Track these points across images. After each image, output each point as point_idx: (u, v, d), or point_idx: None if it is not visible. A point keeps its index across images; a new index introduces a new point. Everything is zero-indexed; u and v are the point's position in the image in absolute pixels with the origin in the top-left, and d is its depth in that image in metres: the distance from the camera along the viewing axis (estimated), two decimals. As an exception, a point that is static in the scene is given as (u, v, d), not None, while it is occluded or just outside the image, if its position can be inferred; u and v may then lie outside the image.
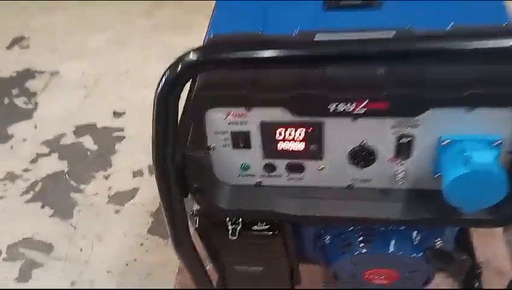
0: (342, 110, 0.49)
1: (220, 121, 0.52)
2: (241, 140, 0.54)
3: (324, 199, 0.57)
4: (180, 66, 0.44)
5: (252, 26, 0.56)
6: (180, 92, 0.47)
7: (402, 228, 0.64)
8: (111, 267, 1.14)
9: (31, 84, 1.76)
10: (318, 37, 0.52)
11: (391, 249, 0.65)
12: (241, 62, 0.45)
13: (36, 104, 1.68)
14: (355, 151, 0.53)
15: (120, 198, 1.31)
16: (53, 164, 1.44)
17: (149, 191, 1.31)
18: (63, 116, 1.59)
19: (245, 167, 0.57)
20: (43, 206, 1.32)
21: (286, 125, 0.52)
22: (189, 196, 0.58)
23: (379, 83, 0.48)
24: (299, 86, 0.49)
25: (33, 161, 1.45)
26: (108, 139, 1.49)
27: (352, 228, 0.67)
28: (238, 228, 0.63)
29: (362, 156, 0.53)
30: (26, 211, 1.31)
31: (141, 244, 1.18)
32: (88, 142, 1.50)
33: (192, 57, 0.45)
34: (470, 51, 0.42)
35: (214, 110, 0.52)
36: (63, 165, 1.43)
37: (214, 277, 0.76)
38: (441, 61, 0.45)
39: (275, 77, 0.51)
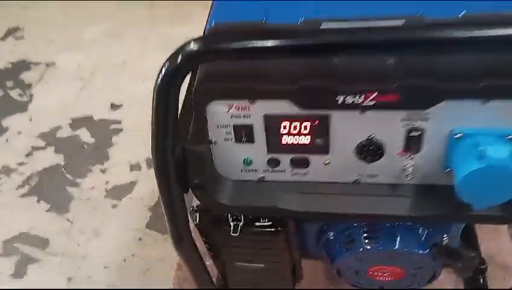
0: (350, 102, 0.47)
1: (222, 114, 0.51)
2: (244, 134, 0.52)
3: (329, 195, 0.56)
4: (180, 57, 0.43)
5: (254, 15, 0.53)
6: (181, 84, 0.45)
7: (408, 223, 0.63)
8: (108, 263, 1.13)
9: (26, 76, 1.74)
10: (324, 26, 0.50)
11: (397, 245, 0.63)
12: (245, 52, 0.43)
13: (31, 96, 1.65)
14: (363, 145, 0.51)
15: (117, 192, 1.29)
16: (49, 158, 1.42)
17: (147, 185, 1.29)
18: (58, 108, 1.57)
19: (248, 162, 0.55)
20: (39, 201, 1.30)
21: (291, 119, 0.50)
22: (190, 191, 0.56)
23: (389, 74, 0.47)
24: (306, 77, 0.47)
25: (29, 155, 1.43)
26: (105, 132, 1.47)
27: (356, 223, 0.65)
28: (240, 225, 0.62)
29: (370, 150, 0.51)
30: (21, 205, 1.30)
31: (139, 239, 1.17)
32: (85, 135, 1.48)
33: (193, 46, 0.43)
34: (485, 40, 0.40)
35: (215, 103, 0.50)
36: (59, 159, 1.41)
37: (213, 273, 0.75)
38: (454, 51, 0.43)
39: (279, 68, 0.49)
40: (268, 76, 0.48)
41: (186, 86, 0.55)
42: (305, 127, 0.51)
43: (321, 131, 0.51)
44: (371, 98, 0.47)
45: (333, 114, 0.49)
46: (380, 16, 0.49)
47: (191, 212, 0.65)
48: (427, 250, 0.62)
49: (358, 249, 0.64)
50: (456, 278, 0.81)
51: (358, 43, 0.42)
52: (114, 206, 1.26)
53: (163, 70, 0.43)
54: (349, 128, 0.50)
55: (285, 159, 0.54)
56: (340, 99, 0.47)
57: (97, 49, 1.79)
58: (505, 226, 0.90)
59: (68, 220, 1.24)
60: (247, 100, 0.49)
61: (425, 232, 0.63)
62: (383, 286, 0.71)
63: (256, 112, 0.50)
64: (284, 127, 0.51)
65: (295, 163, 0.55)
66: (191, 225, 0.60)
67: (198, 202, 0.60)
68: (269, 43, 0.42)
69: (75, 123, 1.51)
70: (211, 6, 0.60)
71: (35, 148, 1.45)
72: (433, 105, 0.47)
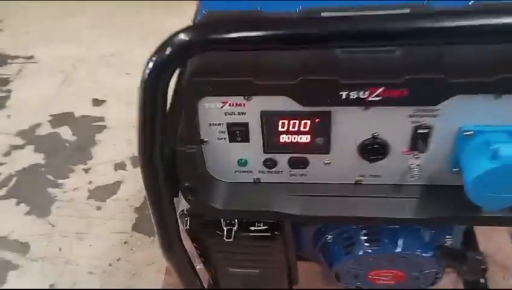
0: (354, 98, 0.44)
1: (215, 112, 0.48)
2: (238, 132, 0.49)
3: (330, 197, 0.53)
4: (170, 48, 0.40)
5: (246, 4, 0.50)
6: (170, 78, 0.42)
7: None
8: (93, 268, 1.10)
9: (3, 71, 1.69)
10: (325, 15, 0.47)
11: (399, 248, 0.60)
12: (241, 42, 0.40)
13: (9, 91, 1.61)
14: (366, 144, 0.49)
15: (102, 193, 1.27)
16: (28, 157, 1.39)
17: (133, 185, 1.27)
18: (38, 104, 1.54)
19: (242, 163, 0.53)
20: (18, 203, 1.27)
21: (290, 116, 0.48)
22: (179, 194, 0.53)
23: (396, 67, 0.44)
24: (306, 71, 0.44)
25: (7, 154, 1.40)
26: (87, 129, 1.44)
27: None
28: (234, 229, 0.58)
29: (373, 149, 0.49)
30: (-1, 208, 1.26)
31: (125, 243, 1.14)
32: (66, 132, 1.45)
33: (184, 36, 0.40)
34: (498, 29, 0.38)
35: (208, 99, 0.47)
36: (39, 158, 1.38)
37: (205, 278, 0.72)
38: (465, 41, 0.41)
39: (278, 61, 0.46)
40: (266, 70, 0.45)
41: (174, 83, 0.52)
42: (305, 125, 0.48)
43: (322, 129, 0.48)
44: (377, 93, 0.44)
45: (335, 111, 0.47)
46: (382, 6, 0.46)
47: (181, 216, 0.62)
48: (431, 253, 0.60)
49: (359, 253, 0.61)
50: (455, 278, 0.79)
51: (364, 32, 0.39)
52: (98, 207, 1.23)
53: (151, 64, 0.40)
54: (352, 126, 0.48)
55: (283, 159, 0.52)
56: (343, 94, 0.44)
57: (79, 41, 1.75)
58: (504, 225, 0.89)
59: (49, 223, 1.21)
60: (243, 96, 0.47)
61: (429, 234, 0.61)
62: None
63: (252, 109, 0.47)
64: (282, 125, 0.48)
65: (293, 163, 0.52)
66: (180, 227, 0.57)
67: (188, 205, 0.56)
68: (269, 32, 0.39)
69: (56, 120, 1.48)
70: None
71: (13, 147, 1.41)
72: (444, 100, 0.44)
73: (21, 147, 1.41)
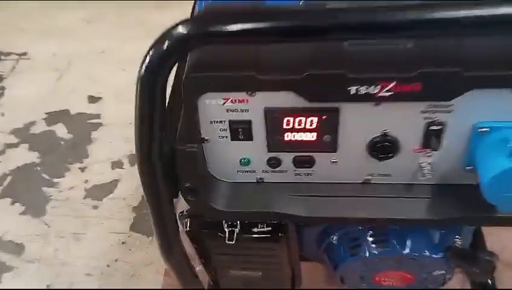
0: (363, 93, 0.42)
1: (217, 108, 0.46)
2: (241, 130, 0.48)
3: (337, 197, 0.52)
4: (167, 42, 0.38)
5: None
6: (168, 73, 0.40)
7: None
8: (90, 269, 1.08)
9: None
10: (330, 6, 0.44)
11: (408, 249, 0.58)
12: (241, 35, 0.38)
13: (3, 89, 1.59)
14: (376, 142, 0.47)
15: (98, 192, 1.25)
16: (23, 156, 1.36)
17: (130, 183, 1.25)
18: (33, 102, 1.52)
19: (245, 162, 0.51)
20: (13, 203, 1.25)
21: (295, 113, 0.46)
22: (179, 195, 0.52)
23: (409, 60, 0.42)
24: (312, 65, 0.42)
25: (1, 153, 1.38)
26: (83, 127, 1.42)
27: (362, 225, 0.61)
28: (236, 231, 0.56)
29: (383, 146, 0.47)
30: (-7, 208, 1.25)
31: (123, 243, 1.12)
32: (61, 130, 1.42)
33: (182, 30, 0.38)
34: None
35: (209, 95, 0.45)
36: (33, 157, 1.36)
37: (204, 279, 0.70)
38: (481, 32, 0.38)
39: (282, 55, 0.44)
40: (270, 64, 0.43)
41: (173, 79, 0.51)
42: (311, 122, 0.46)
43: (329, 126, 0.46)
44: (388, 88, 0.42)
45: (343, 107, 0.45)
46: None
47: (180, 217, 0.60)
48: (441, 254, 0.58)
49: (365, 254, 0.59)
50: (462, 278, 0.77)
51: (375, 23, 0.37)
52: (95, 207, 1.22)
53: (148, 59, 0.38)
54: (361, 122, 0.46)
55: (288, 158, 0.50)
56: (352, 89, 0.42)
57: (73, 37, 1.73)
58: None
59: (45, 223, 1.19)
60: (245, 92, 0.44)
61: (438, 234, 0.59)
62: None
63: (255, 106, 0.45)
64: (287, 123, 0.46)
65: (299, 162, 0.50)
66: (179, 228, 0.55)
67: (188, 206, 0.55)
68: (272, 24, 0.37)
69: (51, 118, 1.46)
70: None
71: (8, 146, 1.39)
72: (459, 95, 0.42)
73: (15, 145, 1.39)
